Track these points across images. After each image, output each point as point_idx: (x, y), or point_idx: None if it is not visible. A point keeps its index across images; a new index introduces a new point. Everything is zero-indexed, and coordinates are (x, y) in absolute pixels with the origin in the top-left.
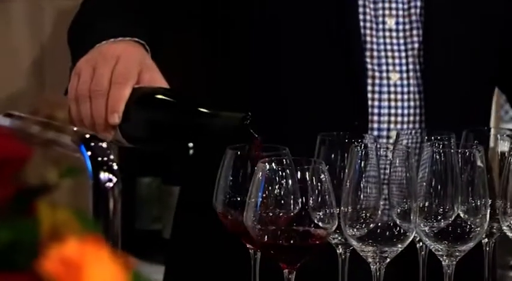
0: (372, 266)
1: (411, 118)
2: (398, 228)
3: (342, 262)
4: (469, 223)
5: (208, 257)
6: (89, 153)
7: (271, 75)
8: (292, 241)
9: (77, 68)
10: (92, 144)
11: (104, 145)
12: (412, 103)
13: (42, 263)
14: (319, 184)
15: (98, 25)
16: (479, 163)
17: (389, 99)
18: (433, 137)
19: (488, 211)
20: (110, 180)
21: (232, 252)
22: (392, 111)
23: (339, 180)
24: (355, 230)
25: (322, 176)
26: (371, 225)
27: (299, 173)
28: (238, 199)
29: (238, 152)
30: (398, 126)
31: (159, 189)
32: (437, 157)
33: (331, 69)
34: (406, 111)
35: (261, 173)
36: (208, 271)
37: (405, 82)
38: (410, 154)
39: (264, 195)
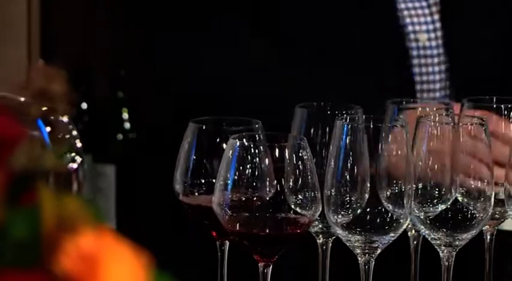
0: (359, 259)
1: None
2: (390, 214)
3: (323, 253)
4: (470, 207)
5: (168, 251)
6: (48, 129)
7: None
8: (268, 230)
9: None
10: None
11: (65, 119)
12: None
13: (57, 259)
14: (299, 163)
15: None
16: (482, 137)
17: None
18: (428, 108)
19: (493, 193)
20: (73, 160)
21: (196, 244)
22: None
23: (320, 159)
24: (339, 216)
25: (304, 153)
26: (358, 210)
27: (276, 150)
28: (203, 181)
29: (203, 126)
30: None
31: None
32: (434, 130)
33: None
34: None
35: (231, 150)
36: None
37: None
38: (403, 127)
39: (236, 176)
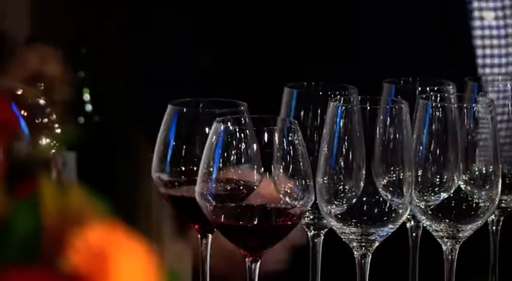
0: (355, 253)
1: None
2: (388, 203)
3: (314, 247)
4: (475, 196)
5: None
6: (24, 113)
7: None
8: (256, 222)
9: None
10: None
11: (42, 102)
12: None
13: (63, 254)
14: (290, 148)
15: None
16: (488, 120)
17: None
18: (428, 88)
19: (500, 180)
20: (52, 146)
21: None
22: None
23: (311, 144)
24: (333, 206)
25: (295, 137)
26: (353, 200)
27: (265, 134)
28: (183, 168)
29: (184, 109)
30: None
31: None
32: (435, 112)
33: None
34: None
35: (215, 136)
36: None
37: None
38: (403, 109)
39: (220, 164)
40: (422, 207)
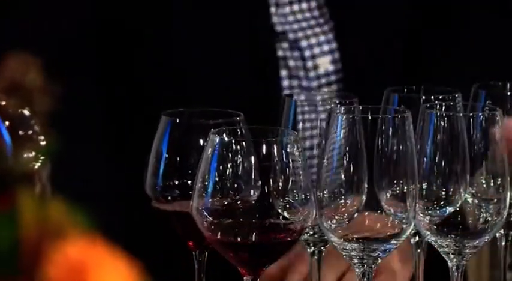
0: (357, 269)
1: None
2: (391, 218)
3: (315, 264)
4: (482, 210)
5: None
6: (7, 124)
7: None
8: (255, 238)
9: None
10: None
11: (27, 112)
12: None
13: (41, 269)
14: (289, 160)
15: None
16: (496, 129)
17: None
18: (432, 97)
19: (509, 193)
20: (36, 159)
21: (170, 254)
22: None
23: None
24: (333, 221)
25: (294, 149)
26: (355, 215)
27: (263, 147)
28: (176, 182)
29: (177, 120)
30: None
31: None
32: (440, 122)
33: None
34: None
35: (211, 148)
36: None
37: None
38: (406, 118)
39: (216, 178)
40: (427, 222)
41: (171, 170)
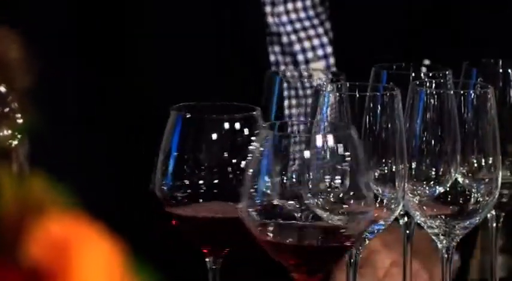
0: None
1: None
2: (378, 198)
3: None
4: (473, 190)
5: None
6: None
7: None
8: (317, 240)
9: None
10: None
11: (3, 89)
12: None
13: (23, 247)
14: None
15: None
16: (487, 107)
17: None
18: (422, 74)
19: (500, 173)
20: (13, 137)
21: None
22: None
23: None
24: (320, 200)
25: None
26: (340, 194)
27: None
28: (187, 182)
29: (187, 114)
30: None
31: None
32: (430, 100)
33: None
34: None
35: (266, 143)
36: None
37: None
38: (395, 96)
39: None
40: (416, 202)
41: (181, 169)
